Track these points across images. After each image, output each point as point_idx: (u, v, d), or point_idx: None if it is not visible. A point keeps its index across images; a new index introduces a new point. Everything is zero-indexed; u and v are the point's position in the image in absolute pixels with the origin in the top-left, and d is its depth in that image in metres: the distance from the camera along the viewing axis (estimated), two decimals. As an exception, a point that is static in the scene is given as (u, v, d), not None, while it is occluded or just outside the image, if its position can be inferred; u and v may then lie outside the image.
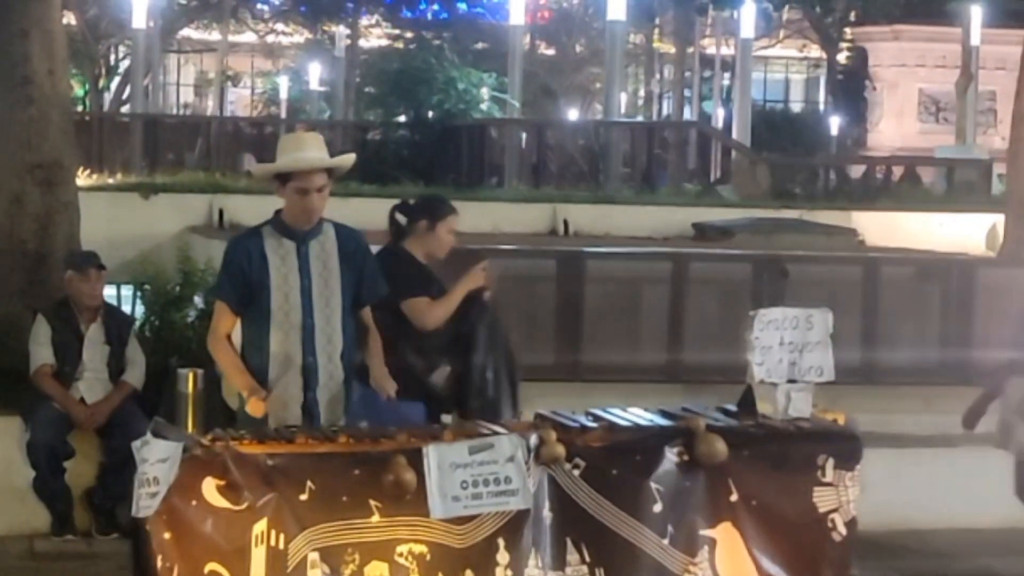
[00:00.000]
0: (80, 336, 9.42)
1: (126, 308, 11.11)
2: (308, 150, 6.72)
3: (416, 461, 5.84)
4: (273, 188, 6.81)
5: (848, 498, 6.24)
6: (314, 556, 5.77)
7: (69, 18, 34.90)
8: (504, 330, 7.65)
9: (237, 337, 6.91)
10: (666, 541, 6.05)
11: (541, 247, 12.33)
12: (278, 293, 6.72)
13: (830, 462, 6.23)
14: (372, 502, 5.82)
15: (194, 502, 5.65)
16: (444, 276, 7.69)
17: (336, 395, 6.77)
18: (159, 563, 5.60)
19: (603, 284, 10.84)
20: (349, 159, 6.96)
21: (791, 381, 6.36)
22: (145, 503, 5.58)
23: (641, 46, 48.59)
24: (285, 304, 6.72)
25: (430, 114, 28.16)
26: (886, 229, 15.07)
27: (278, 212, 6.82)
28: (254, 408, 6.60)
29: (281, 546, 5.73)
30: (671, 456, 6.09)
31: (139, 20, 32.03)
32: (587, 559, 6.03)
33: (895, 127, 43.81)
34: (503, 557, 5.94)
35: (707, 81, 47.54)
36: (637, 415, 6.40)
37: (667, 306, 10.77)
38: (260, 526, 5.71)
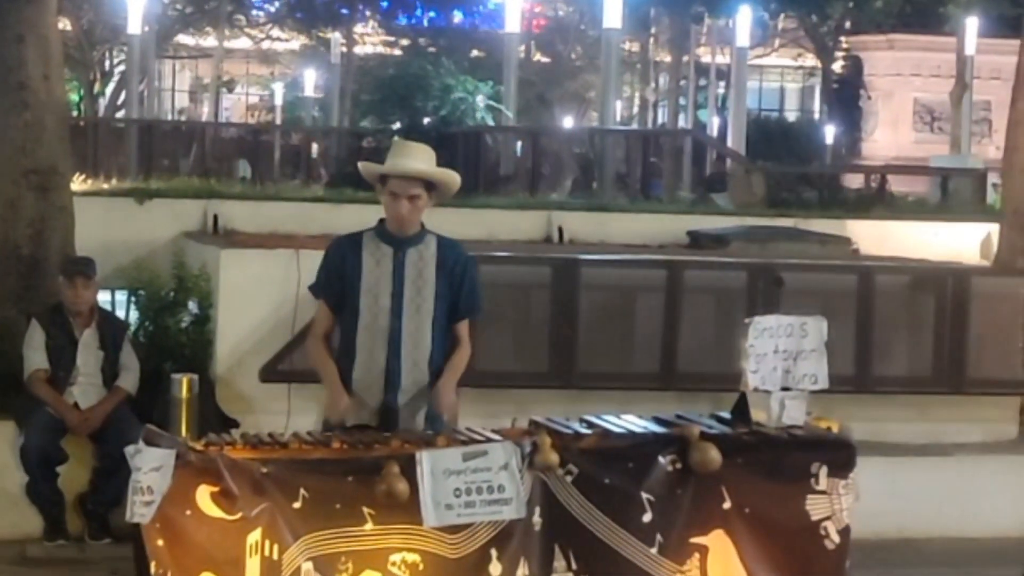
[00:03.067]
0: (74, 341, 9.42)
1: (120, 313, 11.11)
2: (411, 158, 6.83)
3: (409, 468, 5.83)
4: (377, 189, 6.92)
5: (841, 506, 6.24)
6: (308, 566, 5.77)
7: (64, 23, 34.88)
8: None
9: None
10: (654, 550, 6.05)
11: (536, 254, 12.29)
12: (368, 296, 6.80)
13: (824, 470, 6.23)
14: (365, 510, 5.82)
15: (188, 512, 5.65)
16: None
17: (418, 401, 6.82)
18: (153, 569, 5.59)
19: (598, 291, 10.82)
20: (452, 177, 6.96)
21: (785, 389, 6.36)
22: (140, 511, 5.58)
23: (637, 54, 48.62)
24: (374, 306, 6.80)
25: (425, 121, 28.18)
26: (881, 238, 15.03)
27: (383, 220, 6.92)
28: (330, 410, 6.72)
29: (275, 556, 5.73)
30: (664, 464, 6.10)
31: (134, 25, 31.97)
32: (573, 566, 6.03)
33: (890, 136, 43.82)
34: (496, 568, 5.93)
35: (702, 90, 47.53)
36: (631, 422, 6.40)
37: (662, 314, 10.75)
38: (254, 536, 5.70)
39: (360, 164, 7.20)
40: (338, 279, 6.88)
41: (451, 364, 6.90)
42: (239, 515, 5.67)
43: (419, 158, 6.85)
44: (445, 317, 6.88)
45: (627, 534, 6.01)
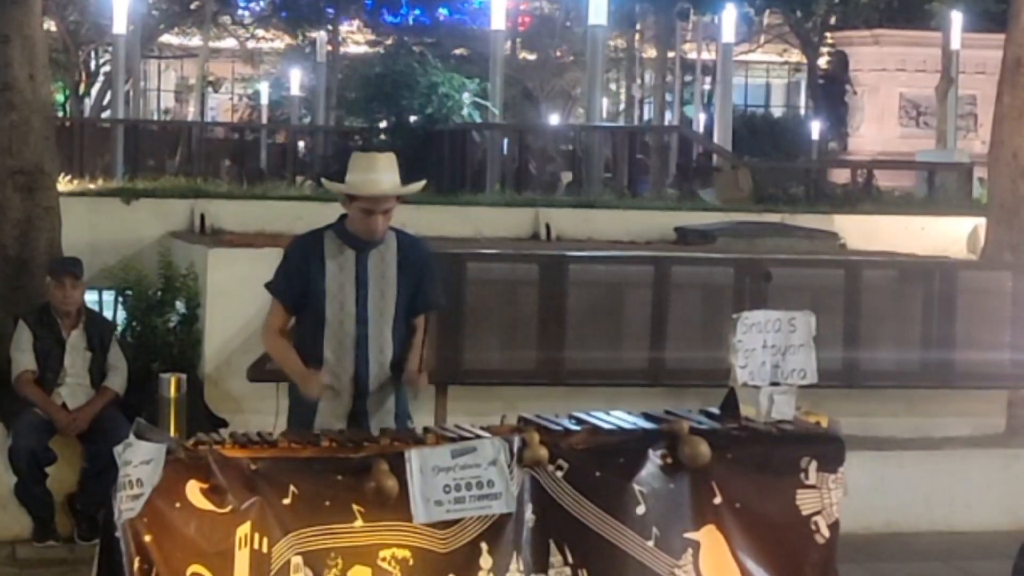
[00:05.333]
0: (62, 342, 9.41)
1: (108, 313, 11.10)
2: (380, 172, 6.73)
3: (398, 466, 5.83)
4: (341, 202, 6.83)
5: (831, 500, 6.24)
6: (297, 560, 5.77)
7: (49, 24, 34.87)
8: None
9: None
10: (651, 543, 6.05)
11: (523, 251, 12.30)
12: (334, 302, 6.75)
13: (813, 465, 6.23)
14: (355, 507, 5.81)
15: (178, 504, 5.64)
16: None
17: (387, 406, 6.83)
18: (136, 565, 5.58)
19: (585, 288, 10.83)
20: (418, 188, 6.98)
21: (774, 384, 6.36)
22: (128, 505, 5.56)
23: (622, 51, 48.63)
24: (340, 313, 6.75)
25: (412, 119, 28.14)
26: (868, 232, 15.06)
27: (343, 217, 6.84)
28: (311, 389, 6.66)
29: (264, 549, 5.72)
30: (655, 459, 6.09)
31: (119, 26, 31.91)
32: (570, 560, 6.02)
33: (876, 131, 43.87)
34: (486, 561, 5.93)
35: (688, 86, 47.57)
36: (620, 418, 6.40)
37: (649, 310, 10.76)
38: (244, 529, 5.70)
39: (326, 183, 7.15)
40: (299, 281, 6.80)
41: (411, 350, 6.85)
42: (229, 508, 5.67)
43: (387, 170, 6.75)
44: (405, 314, 6.85)
45: (622, 526, 6.01)
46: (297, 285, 6.81)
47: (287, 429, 6.63)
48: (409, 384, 6.81)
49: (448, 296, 10.41)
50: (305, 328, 6.85)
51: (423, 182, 7.06)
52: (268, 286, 6.95)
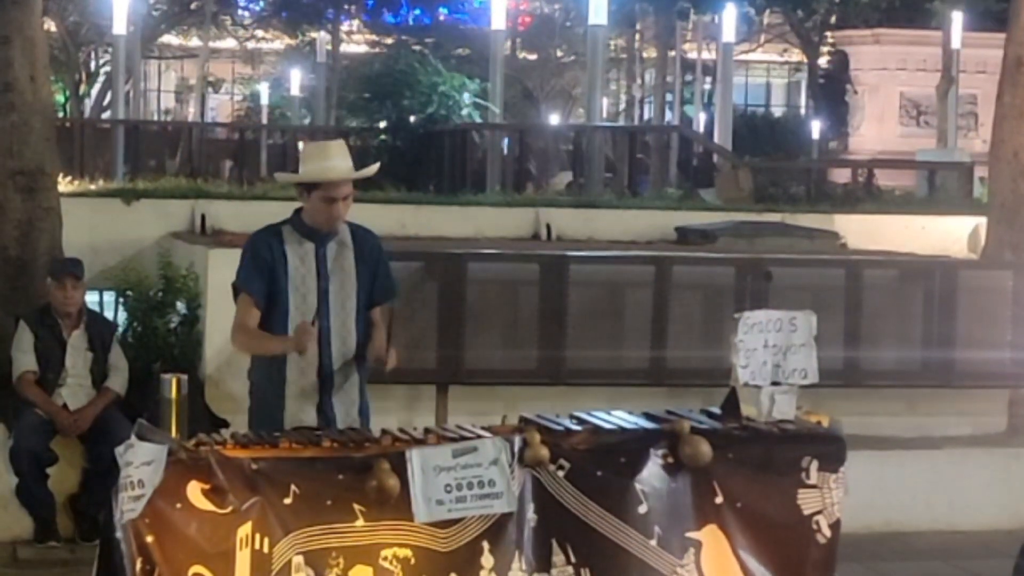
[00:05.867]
0: (63, 343, 9.41)
1: (108, 314, 11.11)
2: (334, 159, 6.73)
3: (399, 465, 5.83)
4: (296, 194, 6.83)
5: (832, 500, 6.24)
6: (298, 560, 5.76)
7: (49, 25, 34.87)
8: None
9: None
10: (653, 542, 6.05)
11: (524, 251, 12.30)
12: (296, 295, 6.74)
13: (814, 464, 6.23)
14: (356, 506, 5.81)
15: (179, 505, 5.64)
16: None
17: (352, 397, 6.83)
18: (138, 566, 5.58)
19: (586, 288, 10.83)
20: (373, 170, 7.01)
21: (775, 383, 6.36)
22: (129, 506, 5.56)
23: (623, 50, 48.65)
24: (303, 306, 6.74)
25: (412, 119, 28.13)
26: (868, 232, 15.07)
27: (298, 211, 6.83)
28: (303, 342, 6.56)
29: (265, 549, 5.71)
30: (656, 458, 6.09)
31: (119, 26, 31.92)
32: (572, 560, 6.02)
33: (876, 131, 43.86)
34: (488, 560, 5.93)
35: (688, 85, 47.59)
36: (621, 418, 6.40)
37: (650, 310, 10.77)
38: (244, 529, 5.69)
39: (280, 176, 7.15)
40: (268, 273, 6.76)
41: (374, 337, 6.81)
42: (230, 508, 5.67)
43: (339, 156, 6.74)
44: (364, 306, 6.85)
45: (625, 525, 6.01)
46: (267, 278, 6.77)
47: (250, 428, 6.57)
48: (377, 361, 6.74)
49: (449, 296, 10.44)
50: (268, 324, 6.81)
51: (377, 165, 7.06)
52: (236, 284, 6.89)
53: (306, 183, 6.75)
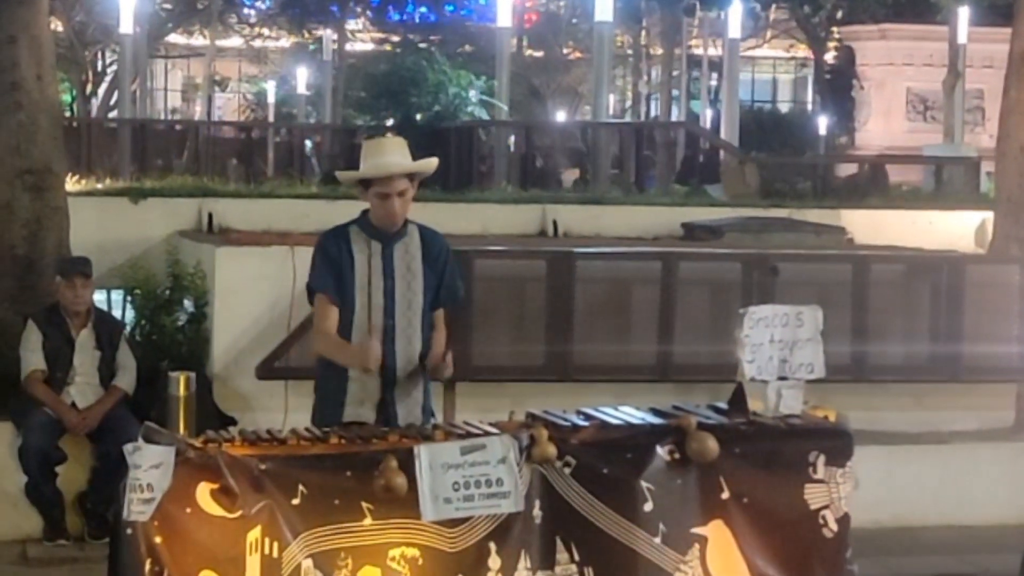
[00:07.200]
0: (71, 341, 9.43)
1: (116, 313, 11.13)
2: (389, 155, 6.75)
3: (407, 462, 5.83)
4: (358, 193, 6.85)
5: (839, 495, 6.24)
6: (308, 563, 5.76)
7: (56, 24, 34.88)
8: None
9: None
10: (657, 539, 6.05)
11: (531, 248, 12.31)
12: (362, 294, 6.75)
13: (821, 459, 6.24)
14: (364, 504, 5.81)
15: (188, 509, 5.64)
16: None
17: (414, 397, 6.82)
18: (147, 568, 5.59)
19: (593, 284, 10.85)
20: (431, 164, 6.97)
21: (782, 378, 6.36)
22: (138, 508, 5.56)
23: (629, 47, 48.62)
24: (368, 305, 6.75)
25: (418, 117, 28.17)
26: (875, 227, 15.06)
27: (365, 212, 6.85)
28: (372, 360, 6.55)
29: (275, 554, 5.71)
30: (662, 454, 6.09)
31: (126, 25, 31.93)
32: (576, 558, 6.02)
33: (883, 126, 43.76)
34: (495, 562, 5.92)
35: (695, 82, 47.55)
36: (628, 414, 6.41)
37: (657, 306, 10.77)
38: (254, 534, 5.70)
39: (339, 174, 7.17)
40: (339, 272, 6.78)
41: (437, 340, 6.87)
42: (239, 513, 5.66)
43: (396, 152, 6.77)
44: (430, 308, 6.87)
45: (629, 523, 6.01)
46: (338, 277, 6.78)
47: (312, 423, 6.59)
48: (432, 369, 6.80)
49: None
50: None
51: (435, 159, 7.05)
52: (310, 286, 6.90)
53: (365, 181, 6.77)
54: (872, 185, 22.99)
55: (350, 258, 6.79)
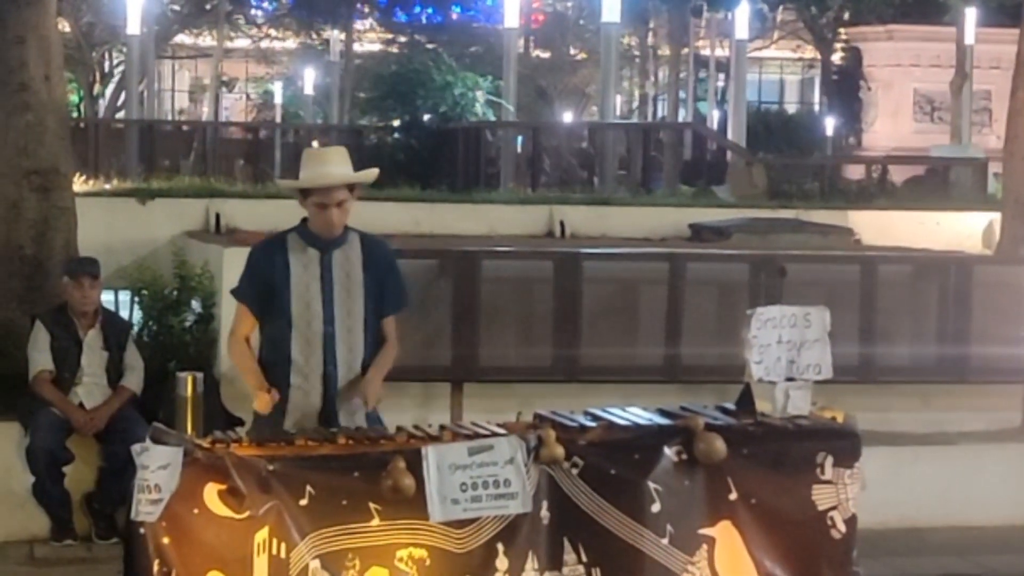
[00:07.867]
0: (79, 342, 9.43)
1: (124, 313, 11.13)
2: (329, 165, 6.77)
3: (415, 463, 5.83)
4: (298, 201, 6.86)
5: (847, 496, 6.24)
6: (315, 564, 5.76)
7: (64, 25, 34.89)
8: None
9: (255, 341, 6.97)
10: (665, 540, 6.05)
11: (538, 248, 12.32)
12: (299, 301, 6.76)
13: (829, 460, 6.23)
14: (372, 505, 5.81)
15: (196, 510, 5.64)
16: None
17: (356, 403, 6.79)
18: (155, 568, 5.59)
19: (600, 285, 10.85)
20: (370, 174, 6.97)
21: (789, 379, 6.36)
22: (146, 509, 5.57)
23: (636, 48, 48.62)
24: (307, 312, 6.76)
25: (426, 118, 28.17)
26: (882, 228, 15.08)
27: (305, 220, 6.86)
28: (260, 404, 6.70)
29: (283, 555, 5.72)
30: (670, 455, 6.09)
31: (133, 26, 31.97)
32: (584, 559, 6.02)
33: (890, 127, 43.78)
34: (502, 563, 5.92)
35: (702, 82, 47.54)
36: (636, 415, 6.41)
37: (664, 306, 10.78)
38: (262, 535, 5.70)
39: (279, 182, 7.20)
40: (264, 284, 6.81)
41: (378, 361, 6.85)
42: (247, 513, 5.67)
43: (336, 163, 6.77)
44: (373, 315, 6.85)
45: (637, 524, 6.01)
46: (262, 289, 6.82)
47: (251, 432, 6.55)
48: (360, 393, 6.75)
49: (463, 294, 10.46)
50: (274, 329, 6.85)
51: (375, 170, 7.05)
52: (233, 292, 6.98)
53: (304, 189, 6.78)
54: (881, 186, 23.02)
55: (285, 266, 6.79)
